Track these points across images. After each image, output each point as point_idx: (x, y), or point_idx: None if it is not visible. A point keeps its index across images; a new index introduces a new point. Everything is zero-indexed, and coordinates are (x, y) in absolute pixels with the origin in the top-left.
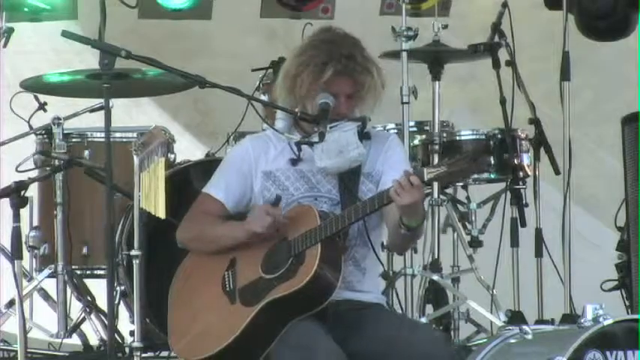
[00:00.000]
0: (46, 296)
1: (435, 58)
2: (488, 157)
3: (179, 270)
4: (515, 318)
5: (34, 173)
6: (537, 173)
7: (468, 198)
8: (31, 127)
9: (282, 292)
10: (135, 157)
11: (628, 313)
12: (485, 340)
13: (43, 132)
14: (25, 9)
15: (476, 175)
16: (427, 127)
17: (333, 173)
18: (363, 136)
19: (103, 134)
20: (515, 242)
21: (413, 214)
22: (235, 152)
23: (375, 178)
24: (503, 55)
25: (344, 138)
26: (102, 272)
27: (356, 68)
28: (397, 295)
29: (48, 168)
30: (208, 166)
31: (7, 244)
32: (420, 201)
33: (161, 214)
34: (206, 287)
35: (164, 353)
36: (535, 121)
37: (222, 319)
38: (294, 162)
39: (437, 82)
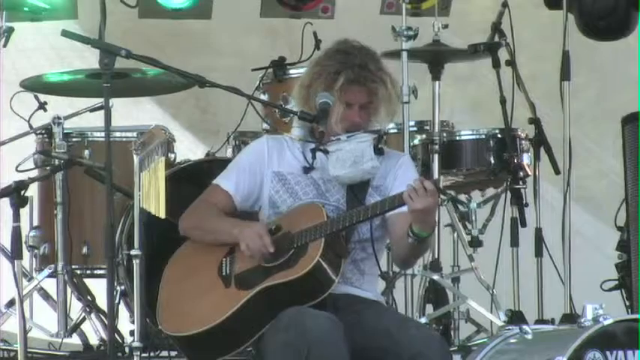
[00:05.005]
0: (46, 296)
1: (435, 57)
2: (507, 173)
3: (176, 252)
4: (515, 318)
5: (34, 173)
6: (537, 173)
7: (468, 198)
8: (31, 126)
9: (279, 279)
10: (135, 157)
11: (628, 313)
12: (485, 340)
13: (43, 131)
14: (25, 9)
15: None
16: (427, 127)
17: (344, 183)
18: (377, 151)
19: (103, 134)
20: (515, 242)
21: (424, 222)
22: (251, 148)
23: (384, 192)
24: (503, 54)
25: (359, 149)
26: (102, 272)
27: (368, 77)
28: (394, 298)
29: (48, 168)
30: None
31: (7, 244)
32: (433, 208)
33: (161, 213)
34: (202, 270)
35: (164, 353)
36: (535, 121)
37: (214, 300)
38: (307, 170)
39: (437, 82)
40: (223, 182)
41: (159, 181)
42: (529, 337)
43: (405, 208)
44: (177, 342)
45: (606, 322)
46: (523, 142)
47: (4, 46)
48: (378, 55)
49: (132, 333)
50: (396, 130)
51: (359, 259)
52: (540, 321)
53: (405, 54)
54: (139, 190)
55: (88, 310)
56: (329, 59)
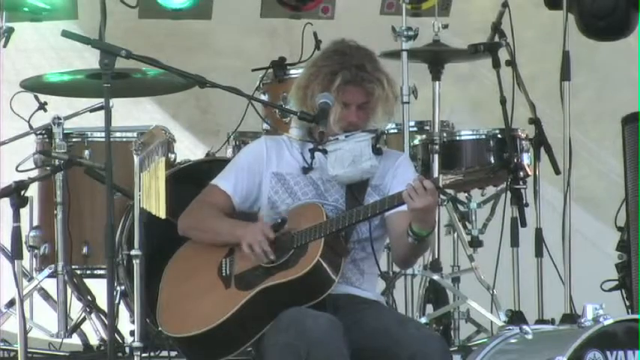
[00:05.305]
0: (46, 296)
1: (435, 58)
2: (507, 173)
3: (176, 253)
4: (515, 318)
5: (34, 173)
6: (537, 173)
7: (468, 198)
8: (31, 126)
9: (279, 279)
10: (135, 157)
11: (628, 313)
12: (485, 340)
13: (43, 132)
14: (25, 9)
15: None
16: (427, 127)
17: (343, 182)
18: (376, 150)
19: (103, 134)
20: (515, 242)
21: (424, 222)
22: (250, 149)
23: (383, 192)
24: (503, 54)
25: (358, 148)
26: (102, 272)
27: (365, 77)
28: (394, 299)
29: (48, 168)
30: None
31: (7, 244)
32: (433, 207)
33: (161, 214)
34: (202, 271)
35: (164, 353)
36: (535, 121)
37: (214, 301)
38: (306, 170)
39: (437, 82)
40: (221, 183)
41: (159, 181)
42: (529, 337)
43: (403, 207)
44: (177, 343)
45: (606, 323)
46: (523, 142)
47: (4, 46)
48: (375, 55)
49: (132, 333)
50: (396, 131)
51: (358, 258)
52: (540, 321)
53: (405, 54)
54: (139, 191)
55: (88, 310)
56: (326, 60)
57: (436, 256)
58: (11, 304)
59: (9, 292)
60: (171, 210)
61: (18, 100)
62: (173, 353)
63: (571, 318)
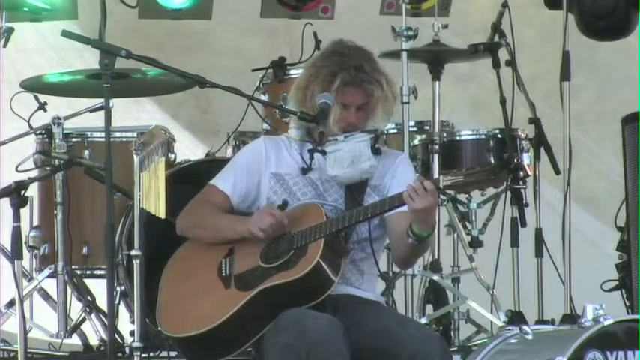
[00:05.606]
0: (46, 296)
1: (435, 58)
2: (507, 173)
3: (176, 253)
4: (515, 318)
5: (34, 173)
6: (537, 173)
7: (468, 198)
8: (31, 126)
9: (279, 280)
10: (135, 157)
11: (628, 313)
12: (485, 341)
13: (43, 132)
14: (25, 9)
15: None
16: (427, 127)
17: (343, 183)
18: (375, 150)
19: (103, 134)
20: (515, 242)
21: (424, 222)
22: (248, 149)
23: (382, 192)
24: (503, 54)
25: (357, 149)
26: (102, 272)
27: (364, 78)
28: (394, 299)
29: (48, 168)
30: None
31: (7, 244)
32: (433, 208)
33: (161, 214)
34: (201, 271)
35: (164, 353)
36: (535, 121)
37: (214, 301)
38: (305, 171)
39: (437, 82)
40: (220, 183)
41: (159, 181)
42: (529, 337)
43: (403, 208)
44: (177, 343)
45: (606, 323)
46: (523, 142)
47: (4, 46)
48: (374, 56)
49: (132, 333)
50: (395, 131)
51: (358, 258)
52: (540, 321)
53: (405, 54)
54: (139, 191)
55: (88, 310)
56: (325, 60)
57: (436, 257)
58: (11, 304)
59: (9, 292)
60: (170, 210)
61: (18, 100)
62: (173, 353)
63: (571, 318)
